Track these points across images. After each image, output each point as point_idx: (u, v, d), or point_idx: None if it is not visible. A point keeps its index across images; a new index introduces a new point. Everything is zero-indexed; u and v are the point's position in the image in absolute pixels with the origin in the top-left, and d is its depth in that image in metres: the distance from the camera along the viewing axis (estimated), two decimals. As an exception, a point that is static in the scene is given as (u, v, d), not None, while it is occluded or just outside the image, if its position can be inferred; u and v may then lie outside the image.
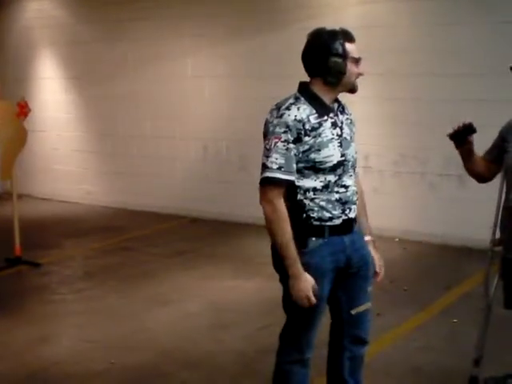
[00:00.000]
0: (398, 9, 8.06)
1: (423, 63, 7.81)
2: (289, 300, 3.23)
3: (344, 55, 3.16)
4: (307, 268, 3.17)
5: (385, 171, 8.35)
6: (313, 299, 3.16)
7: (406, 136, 8.09)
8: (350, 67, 3.20)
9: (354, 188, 3.35)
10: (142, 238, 8.70)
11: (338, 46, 3.15)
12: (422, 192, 8.15)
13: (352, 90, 3.29)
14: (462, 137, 3.66)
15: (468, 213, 7.62)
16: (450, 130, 3.76)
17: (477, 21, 7.53)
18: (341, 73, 3.18)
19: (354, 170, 3.37)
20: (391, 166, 8.31)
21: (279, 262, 3.22)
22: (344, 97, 3.36)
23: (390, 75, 7.99)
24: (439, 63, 7.78)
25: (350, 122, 3.38)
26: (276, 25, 8.84)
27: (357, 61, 3.22)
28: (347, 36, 3.21)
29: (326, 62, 3.17)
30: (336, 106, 3.32)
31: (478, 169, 4.01)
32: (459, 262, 7.24)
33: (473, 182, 7.66)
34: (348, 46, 3.18)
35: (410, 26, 7.98)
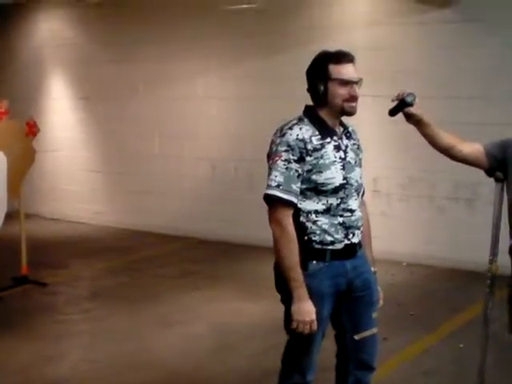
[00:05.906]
0: (406, 32, 8.07)
1: (431, 86, 7.79)
2: (289, 323, 3.20)
3: (325, 77, 3.15)
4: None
5: (393, 194, 8.33)
6: (314, 326, 3.14)
7: (414, 159, 8.05)
8: (333, 89, 3.15)
9: (360, 214, 3.32)
10: (148, 259, 8.68)
11: (319, 68, 3.18)
12: (431, 216, 8.12)
13: (344, 112, 3.22)
14: (398, 112, 3.58)
15: (476, 237, 7.51)
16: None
17: (479, 44, 7.59)
18: (319, 94, 3.18)
19: (359, 194, 3.34)
20: (399, 190, 8.29)
21: (282, 282, 3.19)
22: (350, 120, 3.35)
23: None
24: (447, 86, 7.78)
25: (357, 148, 3.37)
26: (286, 46, 8.85)
27: (345, 83, 3.15)
28: (336, 58, 3.17)
29: (310, 84, 3.23)
30: (341, 129, 3.31)
31: (446, 140, 3.73)
32: (467, 286, 7.17)
33: (482, 206, 7.67)
34: (334, 67, 3.14)
35: (418, 48, 7.99)
